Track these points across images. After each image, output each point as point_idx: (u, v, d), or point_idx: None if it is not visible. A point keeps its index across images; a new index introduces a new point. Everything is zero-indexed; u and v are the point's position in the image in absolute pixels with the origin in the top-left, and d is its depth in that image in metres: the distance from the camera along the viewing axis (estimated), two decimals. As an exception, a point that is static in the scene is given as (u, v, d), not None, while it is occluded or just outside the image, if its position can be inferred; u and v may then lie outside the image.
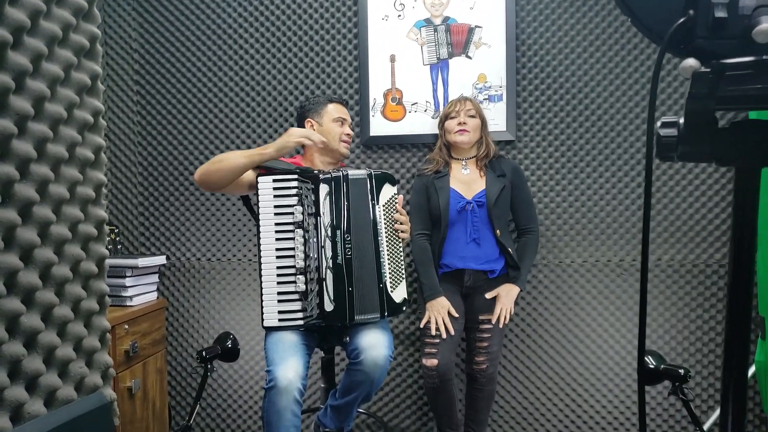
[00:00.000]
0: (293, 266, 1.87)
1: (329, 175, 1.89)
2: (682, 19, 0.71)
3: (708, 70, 0.68)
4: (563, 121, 2.49)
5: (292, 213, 1.89)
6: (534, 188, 2.50)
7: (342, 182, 1.89)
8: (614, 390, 2.48)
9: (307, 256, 1.86)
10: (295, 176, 1.89)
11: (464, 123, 2.23)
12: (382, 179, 1.96)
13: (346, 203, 1.87)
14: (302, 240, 1.87)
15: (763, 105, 0.71)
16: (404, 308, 1.94)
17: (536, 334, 2.52)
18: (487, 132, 2.30)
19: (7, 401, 1.02)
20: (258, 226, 1.90)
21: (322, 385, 2.21)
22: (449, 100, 2.39)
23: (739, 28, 0.65)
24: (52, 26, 1.11)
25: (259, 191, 1.89)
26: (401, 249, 2.01)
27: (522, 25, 2.49)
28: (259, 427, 2.72)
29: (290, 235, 1.88)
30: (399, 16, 2.55)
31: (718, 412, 2.15)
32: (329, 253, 1.84)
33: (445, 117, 2.31)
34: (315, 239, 1.85)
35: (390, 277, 1.91)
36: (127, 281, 2.34)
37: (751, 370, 2.19)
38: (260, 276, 1.89)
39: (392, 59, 2.56)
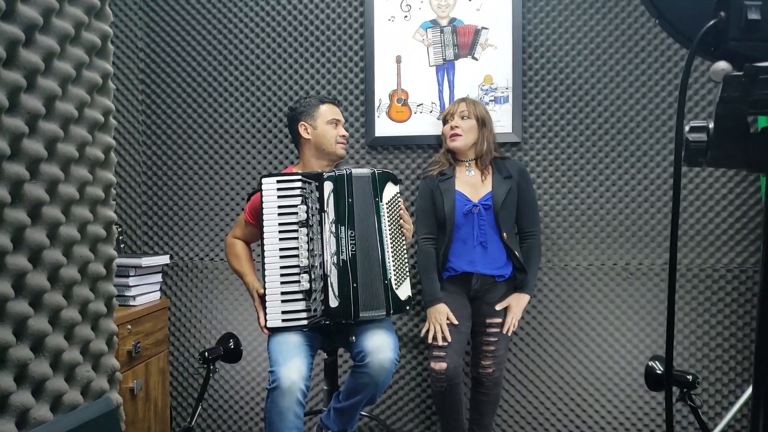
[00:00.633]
0: (297, 266, 1.87)
1: (333, 173, 1.90)
2: (712, 21, 0.69)
3: (740, 73, 0.67)
4: (570, 123, 2.48)
5: (296, 213, 1.88)
6: (540, 191, 2.48)
7: (345, 179, 1.88)
8: (620, 395, 2.46)
9: (311, 255, 1.85)
10: (299, 176, 1.90)
11: (456, 127, 2.21)
12: (385, 178, 1.96)
13: (349, 200, 1.86)
14: (306, 239, 1.86)
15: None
16: (408, 306, 1.92)
17: (541, 337, 2.51)
18: (487, 132, 2.24)
19: (13, 407, 1.00)
20: (261, 227, 1.88)
21: (325, 387, 2.20)
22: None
23: (774, 30, 0.64)
24: (65, 24, 1.09)
25: (263, 193, 1.89)
26: (405, 248, 1.99)
27: (529, 26, 2.48)
28: (261, 429, 2.71)
29: (294, 234, 1.88)
30: (405, 17, 2.53)
31: (726, 419, 2.13)
32: (333, 249, 1.83)
33: (444, 121, 2.30)
34: (319, 236, 1.84)
35: (395, 274, 1.89)
36: (131, 281, 2.32)
37: None
38: (264, 277, 1.88)
39: (398, 60, 2.55)
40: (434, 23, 2.52)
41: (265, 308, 1.87)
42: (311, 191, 1.89)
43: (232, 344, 2.24)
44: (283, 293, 1.86)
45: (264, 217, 1.88)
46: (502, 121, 2.47)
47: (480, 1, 2.49)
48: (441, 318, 2.14)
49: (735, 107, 0.68)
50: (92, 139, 1.19)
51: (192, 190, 2.72)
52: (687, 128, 0.74)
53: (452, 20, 2.51)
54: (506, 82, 2.48)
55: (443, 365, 2.09)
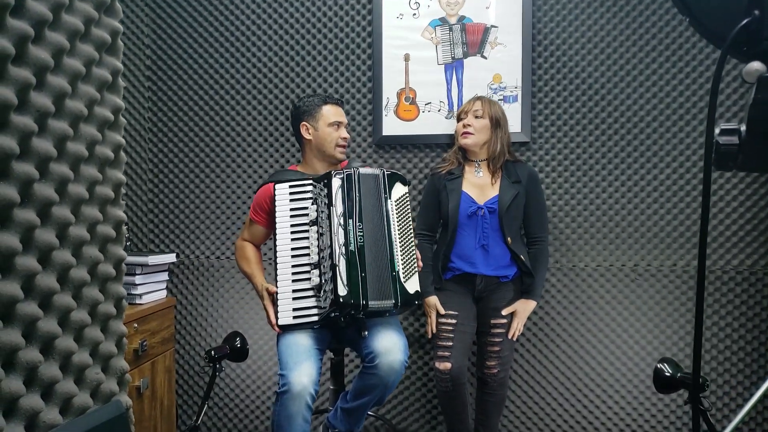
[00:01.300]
0: (308, 263, 1.90)
1: (342, 171, 1.93)
2: (746, 20, 0.67)
3: (776, 74, 0.65)
4: (579, 123, 2.45)
5: (307, 214, 1.95)
6: (548, 191, 2.46)
7: (354, 176, 1.91)
8: (627, 397, 2.45)
9: (321, 250, 1.88)
10: (310, 180, 1.97)
11: (468, 125, 2.19)
12: (394, 177, 1.98)
13: (357, 195, 1.89)
14: (316, 236, 1.91)
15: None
16: (417, 301, 1.92)
17: (548, 338, 2.49)
18: (501, 132, 2.21)
19: (22, 410, 0.99)
20: (274, 230, 1.96)
21: (331, 387, 2.19)
22: (466, 100, 2.36)
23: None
24: (75, 20, 1.07)
25: (276, 198, 1.97)
26: (414, 246, 1.98)
27: (539, 25, 2.46)
28: (266, 428, 2.69)
29: (305, 234, 1.94)
30: (414, 14, 2.51)
31: (735, 421, 2.11)
32: (342, 240, 1.84)
33: (457, 118, 2.28)
34: (328, 229, 1.87)
35: (403, 268, 1.88)
36: (137, 279, 2.30)
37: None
38: (276, 278, 1.91)
39: (406, 58, 2.52)
40: (443, 21, 2.50)
41: (276, 307, 1.88)
42: (321, 190, 1.93)
43: (238, 343, 2.23)
44: (294, 291, 1.90)
45: (277, 221, 1.95)
46: (511, 120, 2.44)
47: (489, -1, 2.46)
48: (431, 310, 2.18)
49: (770, 110, 0.66)
50: (102, 138, 1.17)
51: (198, 188, 2.70)
52: (717, 131, 0.72)
53: (461, 18, 2.49)
54: (515, 81, 2.46)
55: (447, 365, 2.08)
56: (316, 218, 1.92)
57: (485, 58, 2.49)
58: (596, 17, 2.42)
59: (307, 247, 1.92)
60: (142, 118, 2.72)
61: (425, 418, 2.59)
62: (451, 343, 2.11)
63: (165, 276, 2.51)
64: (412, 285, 1.90)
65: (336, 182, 1.89)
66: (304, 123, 2.10)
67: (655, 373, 1.90)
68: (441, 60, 2.52)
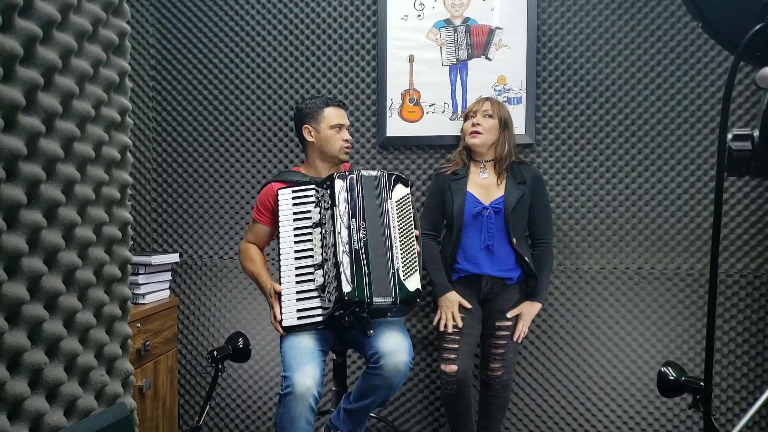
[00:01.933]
0: (311, 265, 1.92)
1: (344, 173, 1.95)
2: (759, 25, 0.67)
3: (791, 80, 0.65)
4: (583, 126, 2.45)
5: (310, 217, 1.97)
6: (552, 193, 2.46)
7: (356, 178, 1.94)
8: (630, 400, 2.44)
9: (324, 250, 1.89)
10: (312, 186, 2.00)
11: (477, 125, 2.18)
12: (395, 179, 1.99)
13: (360, 195, 1.91)
14: (320, 237, 1.92)
15: None
16: (419, 299, 1.92)
17: (552, 341, 2.49)
18: (508, 135, 2.22)
19: (27, 412, 0.98)
20: (278, 233, 1.99)
21: (333, 388, 2.19)
22: (470, 101, 2.35)
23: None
24: (83, 21, 1.07)
25: (280, 202, 1.99)
26: (415, 246, 1.98)
27: (543, 27, 2.45)
28: (268, 429, 2.69)
29: (308, 237, 1.95)
30: (419, 16, 2.51)
31: (739, 426, 2.11)
32: (345, 239, 1.86)
33: (465, 118, 2.27)
34: (332, 229, 1.89)
35: (402, 266, 1.89)
36: (140, 279, 2.31)
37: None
38: (279, 281, 1.92)
39: (411, 59, 2.52)
40: (448, 23, 2.49)
41: (281, 307, 1.89)
42: (323, 193, 1.95)
43: (241, 343, 2.23)
44: (298, 292, 1.91)
45: (280, 224, 1.98)
46: (515, 122, 2.43)
47: (494, 1, 2.46)
48: (453, 306, 2.13)
49: (784, 116, 0.66)
50: (109, 139, 1.17)
51: (202, 188, 2.70)
52: (730, 136, 0.71)
53: (466, 20, 2.48)
54: (520, 82, 2.46)
55: (453, 368, 2.07)
56: (320, 220, 1.93)
57: (490, 59, 2.48)
58: (601, 19, 2.41)
59: (310, 249, 1.93)
60: (147, 118, 2.72)
61: (427, 420, 2.59)
62: (457, 346, 2.10)
63: (168, 276, 2.51)
64: (412, 283, 1.90)
65: (339, 184, 1.91)
66: (306, 125, 2.11)
67: (659, 377, 1.90)
68: (445, 61, 2.51)
